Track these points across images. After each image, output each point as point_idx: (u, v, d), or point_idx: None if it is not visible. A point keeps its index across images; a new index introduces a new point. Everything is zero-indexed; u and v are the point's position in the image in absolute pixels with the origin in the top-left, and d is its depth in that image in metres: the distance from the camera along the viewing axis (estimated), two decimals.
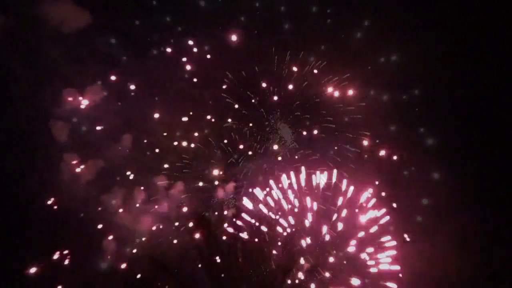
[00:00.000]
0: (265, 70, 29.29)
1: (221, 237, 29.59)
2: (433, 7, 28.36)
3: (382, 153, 30.11)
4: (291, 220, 30.11)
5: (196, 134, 29.22)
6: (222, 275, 29.29)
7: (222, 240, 29.53)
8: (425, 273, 26.72)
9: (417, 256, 27.59)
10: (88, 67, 25.71)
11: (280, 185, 30.24)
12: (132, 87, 27.52)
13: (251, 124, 30.18)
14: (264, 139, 30.39)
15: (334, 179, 29.68)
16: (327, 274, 28.93)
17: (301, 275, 29.05)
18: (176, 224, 28.68)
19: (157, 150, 28.20)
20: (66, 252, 24.09)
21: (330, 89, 30.15)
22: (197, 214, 29.47)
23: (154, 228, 27.51)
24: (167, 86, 28.37)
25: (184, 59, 28.86)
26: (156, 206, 27.88)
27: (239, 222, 29.70)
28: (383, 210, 29.03)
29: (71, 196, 24.09)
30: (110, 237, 25.68)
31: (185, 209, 29.14)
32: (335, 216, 29.64)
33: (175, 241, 28.07)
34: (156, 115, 28.12)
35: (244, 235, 29.61)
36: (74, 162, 24.96)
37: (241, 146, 30.10)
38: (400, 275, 27.88)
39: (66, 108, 25.00)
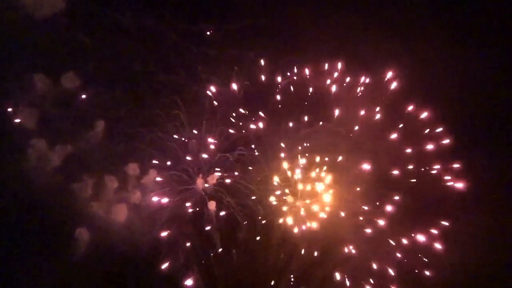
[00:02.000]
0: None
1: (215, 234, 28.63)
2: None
3: None
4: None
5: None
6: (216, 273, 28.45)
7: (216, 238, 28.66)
8: None
9: None
10: (57, 53, 24.87)
11: None
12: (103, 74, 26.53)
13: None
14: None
15: None
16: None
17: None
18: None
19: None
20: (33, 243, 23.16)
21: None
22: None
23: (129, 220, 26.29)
24: (139, 73, 27.39)
25: (157, 45, 27.97)
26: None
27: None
28: None
29: (38, 185, 23.23)
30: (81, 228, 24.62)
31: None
32: None
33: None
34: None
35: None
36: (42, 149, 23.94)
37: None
38: None
39: (33, 94, 24.21)
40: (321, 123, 29.44)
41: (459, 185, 27.97)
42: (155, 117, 27.68)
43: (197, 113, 28.65)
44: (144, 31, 27.87)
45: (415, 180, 28.43)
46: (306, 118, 29.20)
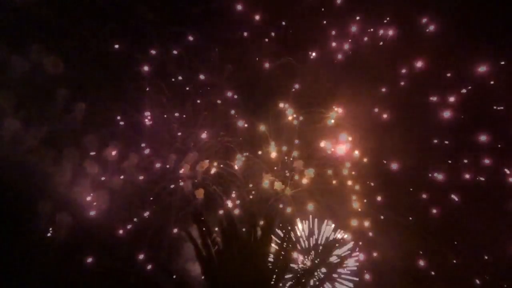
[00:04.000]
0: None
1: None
2: None
3: None
4: None
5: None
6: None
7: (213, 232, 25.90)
8: None
9: None
10: (33, 35, 24.74)
11: None
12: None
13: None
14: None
15: None
16: None
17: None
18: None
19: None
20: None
21: None
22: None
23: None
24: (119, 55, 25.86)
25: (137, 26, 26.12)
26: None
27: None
28: None
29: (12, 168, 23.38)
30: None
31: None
32: None
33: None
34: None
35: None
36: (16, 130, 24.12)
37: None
38: None
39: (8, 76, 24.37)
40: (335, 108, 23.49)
41: None
42: (136, 101, 26.01)
43: (181, 97, 26.07)
44: (123, 11, 26.09)
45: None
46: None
